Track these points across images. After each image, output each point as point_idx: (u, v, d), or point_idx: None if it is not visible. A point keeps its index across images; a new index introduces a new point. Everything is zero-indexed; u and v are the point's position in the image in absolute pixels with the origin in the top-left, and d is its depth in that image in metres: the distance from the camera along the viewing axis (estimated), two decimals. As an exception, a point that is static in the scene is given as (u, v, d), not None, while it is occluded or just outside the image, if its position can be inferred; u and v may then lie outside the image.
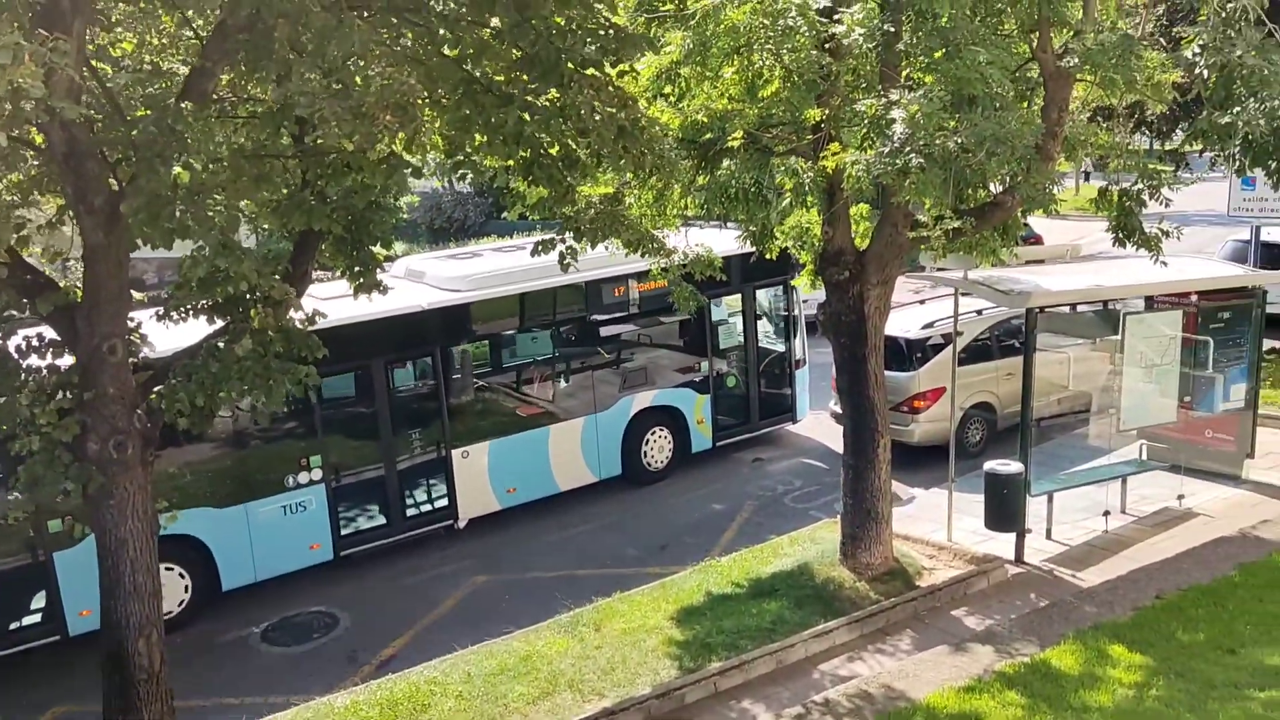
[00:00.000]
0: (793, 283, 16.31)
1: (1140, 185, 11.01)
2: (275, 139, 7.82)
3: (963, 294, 13.23)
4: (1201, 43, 9.73)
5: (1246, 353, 13.74)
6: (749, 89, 9.99)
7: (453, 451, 13.99)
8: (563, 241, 9.42)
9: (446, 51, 7.61)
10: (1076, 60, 9.45)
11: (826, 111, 9.86)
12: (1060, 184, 12.07)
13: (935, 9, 8.54)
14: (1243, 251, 21.06)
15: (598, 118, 7.62)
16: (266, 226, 9.30)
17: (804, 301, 17.17)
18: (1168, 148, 27.33)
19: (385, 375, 13.54)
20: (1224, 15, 9.72)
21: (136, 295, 8.41)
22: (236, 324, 7.95)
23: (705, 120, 10.48)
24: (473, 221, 41.28)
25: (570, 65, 7.43)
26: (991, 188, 10.44)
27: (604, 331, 15.36)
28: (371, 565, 13.51)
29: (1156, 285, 13.02)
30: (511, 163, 8.17)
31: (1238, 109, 9.47)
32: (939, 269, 20.20)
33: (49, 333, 7.99)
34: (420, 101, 7.49)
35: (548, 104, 7.61)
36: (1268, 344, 16.75)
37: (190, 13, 7.78)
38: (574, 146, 8.02)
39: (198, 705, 10.44)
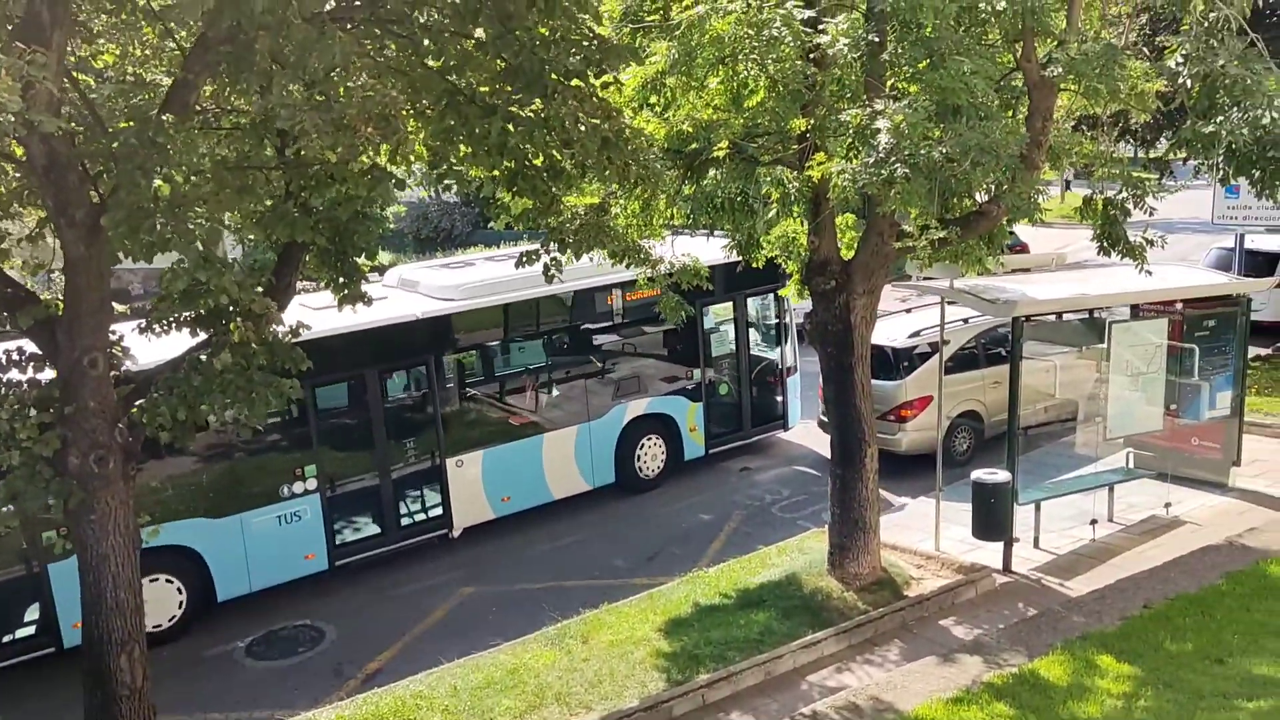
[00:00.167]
0: (780, 292, 16.34)
1: (1125, 194, 11.04)
2: (258, 150, 7.78)
3: (949, 303, 13.25)
4: (1184, 52, 9.77)
5: (1232, 360, 13.78)
6: (734, 99, 9.99)
7: (447, 460, 13.97)
8: (547, 253, 9.39)
9: (430, 63, 7.59)
10: (1060, 70, 9.48)
11: (812, 121, 9.86)
12: (1045, 193, 12.09)
13: (919, 19, 8.56)
14: (1227, 259, 21.18)
15: (582, 129, 7.60)
16: (252, 238, 9.26)
17: (791, 310, 17.21)
18: (1152, 156, 27.43)
19: (379, 384, 13.54)
20: (1206, 25, 9.76)
21: (120, 307, 8.36)
22: (218, 337, 7.89)
23: (691, 130, 10.47)
24: (460, 231, 41.18)
25: (554, 76, 7.41)
26: (977, 197, 10.45)
27: (597, 340, 15.38)
28: (358, 577, 13.44)
29: (1142, 293, 13.05)
30: (496, 173, 8.15)
31: (1221, 118, 9.49)
32: (925, 278, 20.21)
33: (30, 346, 7.93)
34: (404, 113, 7.47)
35: (531, 115, 7.59)
36: (1253, 351, 16.81)
37: (172, 24, 7.74)
38: (558, 157, 8.00)
39: (181, 721, 10.36)
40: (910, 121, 8.25)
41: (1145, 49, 13.52)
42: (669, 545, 14.02)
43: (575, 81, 7.65)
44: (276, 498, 12.73)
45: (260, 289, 7.98)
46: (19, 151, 7.14)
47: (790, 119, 9.92)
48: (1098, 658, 9.78)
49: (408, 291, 14.66)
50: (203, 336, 8.10)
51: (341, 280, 8.78)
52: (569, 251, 9.11)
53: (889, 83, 9.39)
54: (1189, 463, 13.94)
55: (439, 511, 14.08)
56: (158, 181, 6.58)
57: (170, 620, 12.13)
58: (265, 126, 6.94)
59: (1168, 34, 11.02)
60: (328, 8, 6.97)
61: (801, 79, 9.35)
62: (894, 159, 8.30)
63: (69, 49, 7.25)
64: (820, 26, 9.05)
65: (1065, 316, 14.31)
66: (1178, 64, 9.80)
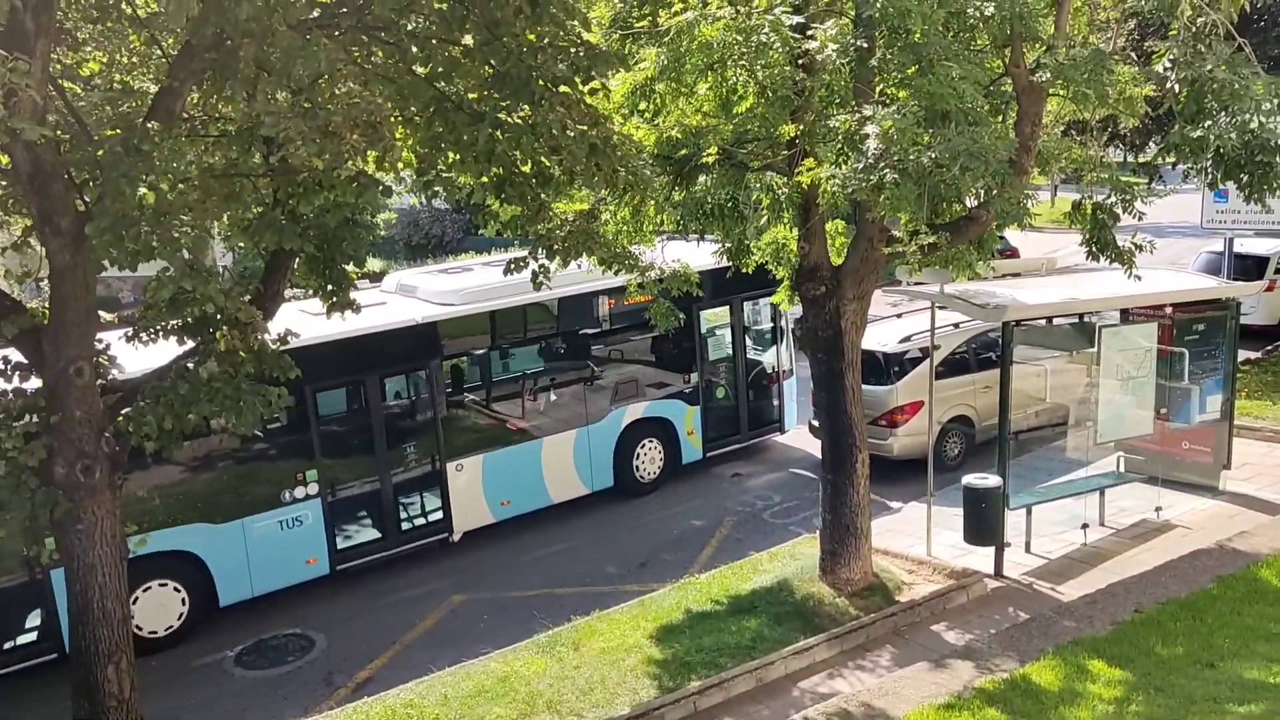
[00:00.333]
0: (771, 299, 16.34)
1: (1113, 199, 11.06)
2: (246, 158, 7.76)
3: (940, 308, 13.25)
4: (1172, 57, 9.79)
5: (1222, 364, 13.82)
6: (723, 105, 9.98)
7: (447, 465, 13.97)
8: (535, 260, 9.37)
9: (417, 69, 7.58)
10: (1049, 75, 9.50)
11: (801, 127, 9.87)
12: (1034, 198, 12.10)
13: (908, 25, 8.55)
14: (1217, 263, 21.24)
15: (569, 135, 7.59)
16: (241, 245, 9.23)
17: (786, 314, 17.22)
18: (1141, 160, 27.52)
19: (379, 389, 13.55)
20: (1194, 30, 9.79)
21: (108, 316, 8.33)
22: (205, 345, 7.86)
23: (680, 136, 10.46)
24: (451, 238, 41.10)
25: (541, 83, 7.41)
26: (966, 202, 10.46)
27: (595, 344, 15.42)
28: (349, 585, 13.38)
29: (1131, 298, 13.07)
30: (484, 180, 8.13)
31: (1209, 123, 9.52)
32: (915, 283, 20.25)
33: (15, 355, 7.88)
34: (391, 120, 7.45)
35: (519, 121, 7.58)
36: (1243, 355, 16.84)
37: (158, 32, 7.72)
38: (546, 164, 7.99)
39: (170, 731, 10.31)
40: (899, 127, 8.26)
41: (1133, 54, 13.53)
42: (661, 551, 13.99)
43: (563, 88, 7.65)
44: (278, 503, 12.72)
45: (248, 297, 7.96)
46: (3, 159, 7.10)
47: (779, 125, 9.92)
48: (1089, 663, 9.77)
49: (406, 297, 14.66)
50: (190, 345, 8.06)
51: (330, 288, 8.77)
52: (557, 258, 9.09)
53: (878, 88, 9.39)
54: (1179, 466, 13.96)
55: (439, 515, 14.08)
56: (143, 189, 6.56)
57: (175, 623, 12.11)
58: (252, 134, 6.92)
59: (1156, 39, 11.04)
60: (313, 15, 6.95)
61: (790, 85, 9.36)
62: (883, 164, 8.30)
63: (55, 57, 7.22)
64: (809, 32, 9.06)
65: (1055, 321, 14.32)
66: (1165, 69, 9.83)
